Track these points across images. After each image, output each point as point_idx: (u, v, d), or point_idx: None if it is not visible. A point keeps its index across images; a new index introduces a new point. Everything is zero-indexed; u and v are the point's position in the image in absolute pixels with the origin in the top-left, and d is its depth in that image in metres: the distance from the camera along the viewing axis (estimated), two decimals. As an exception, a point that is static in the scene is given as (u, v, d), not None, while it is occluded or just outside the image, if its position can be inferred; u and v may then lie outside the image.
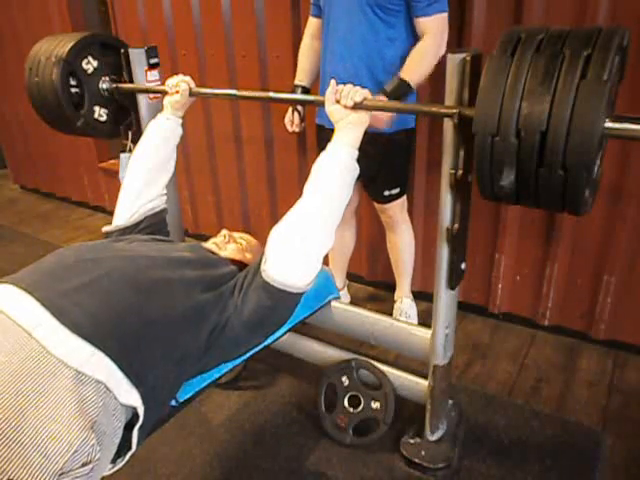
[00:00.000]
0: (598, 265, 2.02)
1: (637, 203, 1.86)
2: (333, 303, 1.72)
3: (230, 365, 1.37)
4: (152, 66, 1.86)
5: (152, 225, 1.43)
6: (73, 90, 1.81)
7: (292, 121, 2.09)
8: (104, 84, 1.87)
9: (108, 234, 1.39)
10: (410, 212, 2.20)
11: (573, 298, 2.12)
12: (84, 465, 0.81)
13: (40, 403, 0.80)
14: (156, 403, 1.00)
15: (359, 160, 1.20)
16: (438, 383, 1.53)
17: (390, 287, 2.40)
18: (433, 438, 1.61)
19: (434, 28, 1.70)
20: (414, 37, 1.76)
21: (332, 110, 1.23)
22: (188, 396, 1.28)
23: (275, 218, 2.82)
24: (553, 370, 2.00)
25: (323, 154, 1.20)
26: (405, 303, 2.30)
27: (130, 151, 1.90)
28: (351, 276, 2.56)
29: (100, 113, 1.90)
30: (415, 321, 2.27)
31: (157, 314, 1.00)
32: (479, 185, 1.08)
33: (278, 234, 1.13)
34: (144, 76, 1.86)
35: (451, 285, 1.39)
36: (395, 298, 2.35)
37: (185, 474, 1.59)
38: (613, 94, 0.98)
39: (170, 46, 2.84)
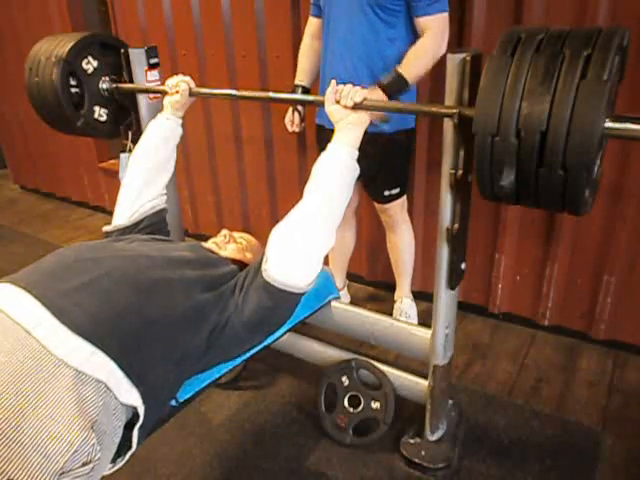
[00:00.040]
0: (598, 265, 2.02)
1: (637, 203, 1.86)
2: (333, 303, 1.72)
3: (230, 365, 1.37)
4: (152, 66, 1.86)
5: (152, 225, 1.43)
6: (73, 90, 1.81)
7: (292, 121, 2.09)
8: (104, 84, 1.87)
9: (108, 234, 1.39)
10: (410, 212, 2.20)
11: (573, 298, 2.12)
12: (84, 465, 0.81)
13: (40, 403, 0.80)
14: (156, 402, 1.00)
15: (359, 160, 1.20)
16: (438, 383, 1.53)
17: (390, 287, 2.40)
18: (433, 438, 1.61)
19: (434, 28, 1.70)
20: (414, 37, 1.76)
21: (332, 110, 1.23)
22: (188, 396, 1.28)
23: (275, 218, 2.82)
24: (553, 370, 2.00)
25: (323, 154, 1.20)
26: (405, 303, 2.30)
27: (130, 151, 1.90)
28: (351, 276, 2.56)
29: (100, 113, 1.90)
30: (415, 321, 2.27)
31: (157, 314, 1.00)
32: (479, 185, 1.08)
33: (279, 234, 1.13)
34: (144, 76, 1.86)
35: (451, 285, 1.39)
36: (395, 298, 2.35)
37: (185, 474, 1.60)
38: (613, 94, 0.98)
39: (170, 46, 2.84)
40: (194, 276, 1.12)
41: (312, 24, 2.01)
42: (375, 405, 1.66)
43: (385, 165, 1.98)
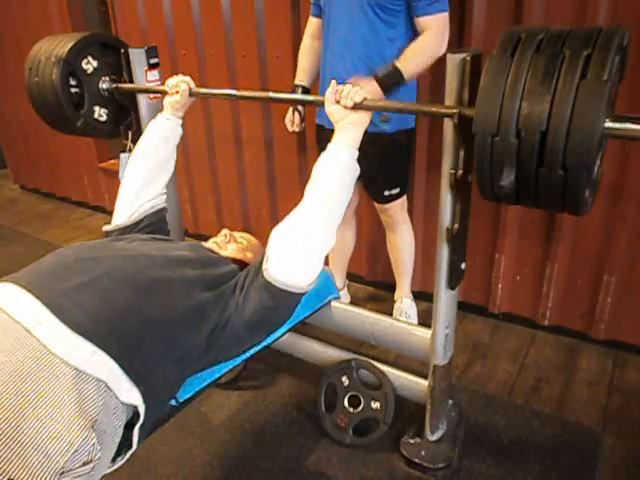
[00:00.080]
0: (598, 265, 2.02)
1: (637, 203, 1.86)
2: (333, 303, 1.72)
3: (230, 365, 1.37)
4: (152, 66, 1.86)
5: (152, 224, 1.43)
6: (73, 90, 1.81)
7: (292, 121, 2.10)
8: (104, 84, 1.87)
9: (108, 233, 1.39)
10: (410, 212, 2.20)
11: (573, 298, 2.12)
12: (85, 464, 0.81)
13: (40, 403, 0.80)
14: (157, 402, 1.00)
15: (359, 160, 1.20)
16: (438, 383, 1.53)
17: (390, 287, 2.40)
18: (433, 438, 1.61)
19: (435, 27, 1.70)
20: (414, 37, 1.75)
21: (332, 110, 1.23)
22: (188, 396, 1.28)
23: (275, 218, 2.82)
24: (553, 370, 2.00)
25: (323, 154, 1.20)
26: (405, 303, 2.30)
27: (130, 151, 1.90)
28: (351, 276, 2.56)
29: (100, 113, 1.90)
30: (415, 321, 2.27)
31: (157, 313, 1.00)
32: (479, 185, 1.08)
33: (279, 234, 1.13)
34: (144, 76, 1.86)
35: (451, 285, 1.39)
36: (395, 298, 2.35)
37: (185, 474, 1.60)
38: (613, 94, 0.98)
39: (170, 46, 2.84)
40: (194, 275, 1.12)
41: (312, 24, 2.01)
42: (375, 405, 1.66)
43: (385, 165, 1.98)
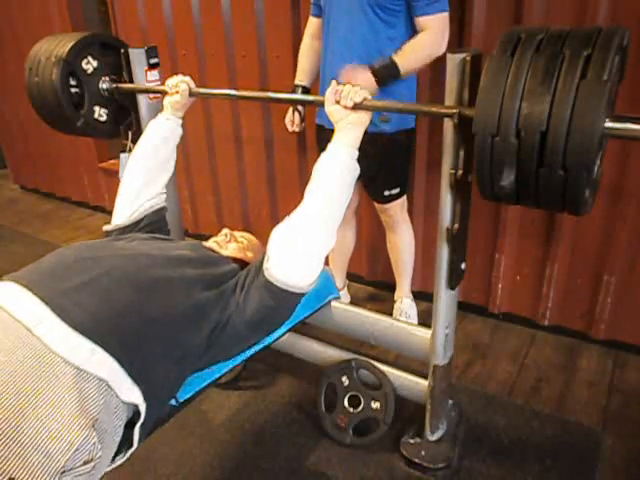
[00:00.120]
0: (598, 265, 2.02)
1: (637, 203, 1.86)
2: (333, 303, 1.72)
3: (230, 364, 1.37)
4: (152, 66, 1.86)
5: (152, 223, 1.43)
6: (73, 90, 1.81)
7: (292, 121, 2.10)
8: (104, 84, 1.87)
9: (108, 233, 1.39)
10: (410, 212, 2.20)
11: (573, 298, 2.12)
12: (86, 463, 0.81)
13: (40, 402, 0.80)
14: (157, 401, 1.00)
15: (359, 160, 1.20)
16: (438, 383, 1.53)
17: (390, 287, 2.40)
18: (433, 438, 1.61)
19: (434, 27, 1.70)
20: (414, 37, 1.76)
21: (332, 110, 1.23)
22: (188, 396, 1.28)
23: (275, 218, 2.82)
24: (553, 370, 2.00)
25: (323, 155, 1.20)
26: (405, 303, 2.30)
27: (130, 151, 1.90)
28: (351, 276, 2.56)
29: (100, 113, 1.90)
30: (415, 321, 2.27)
31: (158, 313, 1.00)
32: (479, 185, 1.08)
33: (279, 235, 1.13)
34: (144, 76, 1.85)
35: (451, 285, 1.39)
36: (395, 298, 2.35)
37: (185, 474, 1.60)
38: (613, 94, 0.98)
39: (170, 46, 2.84)
40: (195, 275, 1.12)
41: (312, 24, 2.01)
42: (375, 405, 1.66)
43: (385, 165, 1.98)
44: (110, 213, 1.43)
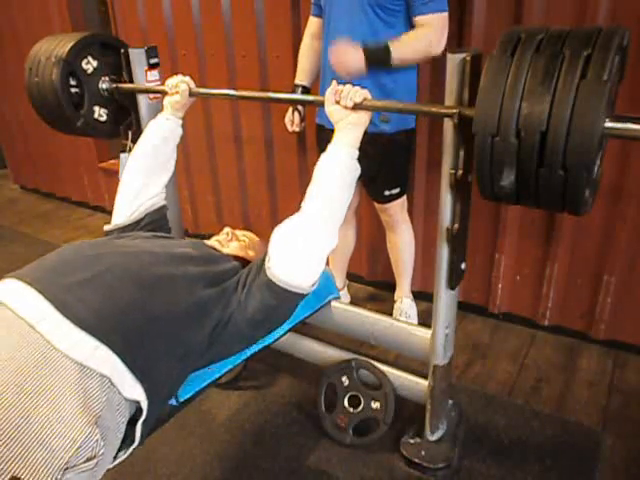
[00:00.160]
0: (598, 265, 2.02)
1: (637, 203, 1.86)
2: (333, 303, 1.72)
3: (230, 365, 1.37)
4: (152, 66, 1.86)
5: (153, 222, 1.43)
6: (73, 90, 1.81)
7: (292, 121, 2.10)
8: (104, 84, 1.87)
9: (109, 233, 1.39)
10: (410, 212, 2.20)
11: (573, 298, 2.12)
12: (88, 460, 0.82)
13: (43, 400, 0.80)
14: (160, 398, 1.01)
15: (359, 160, 1.20)
16: (438, 383, 1.53)
17: (390, 287, 2.40)
18: (433, 438, 1.61)
19: (433, 26, 1.70)
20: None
21: (332, 110, 1.23)
22: (188, 396, 1.28)
23: (275, 218, 2.82)
24: (553, 370, 2.00)
25: (323, 155, 1.20)
26: (405, 303, 2.30)
27: (130, 151, 1.90)
28: (351, 276, 2.56)
29: (100, 113, 1.90)
30: (415, 321, 2.27)
31: (160, 310, 1.01)
32: (479, 185, 1.08)
33: (280, 234, 1.13)
34: (144, 76, 1.86)
35: (451, 285, 1.39)
36: (395, 298, 2.35)
37: (185, 474, 1.59)
38: (613, 94, 0.98)
39: (170, 46, 2.84)
40: (197, 272, 1.13)
41: (312, 24, 2.01)
42: (375, 405, 1.66)
43: (385, 165, 1.98)
44: (110, 213, 1.43)
